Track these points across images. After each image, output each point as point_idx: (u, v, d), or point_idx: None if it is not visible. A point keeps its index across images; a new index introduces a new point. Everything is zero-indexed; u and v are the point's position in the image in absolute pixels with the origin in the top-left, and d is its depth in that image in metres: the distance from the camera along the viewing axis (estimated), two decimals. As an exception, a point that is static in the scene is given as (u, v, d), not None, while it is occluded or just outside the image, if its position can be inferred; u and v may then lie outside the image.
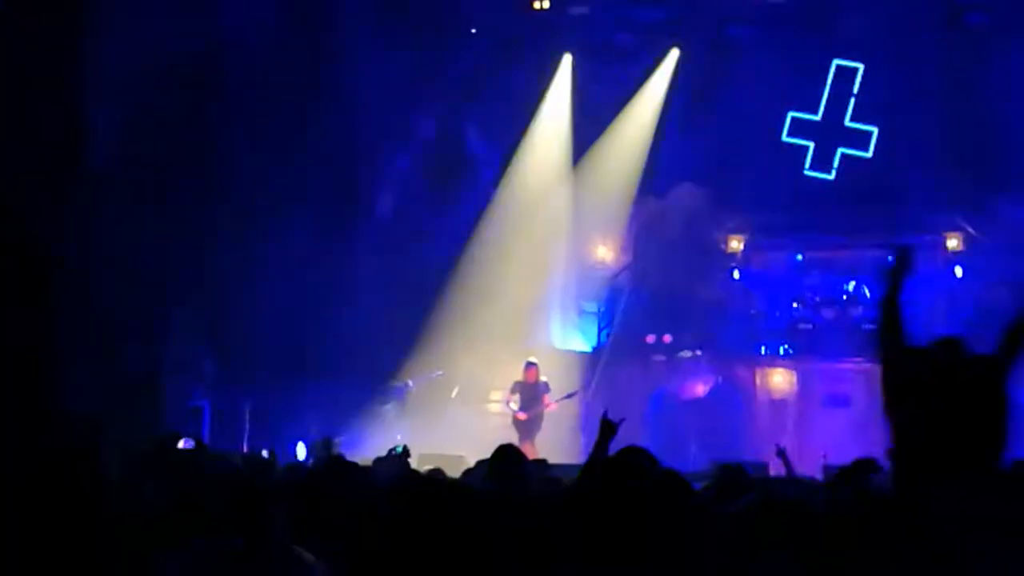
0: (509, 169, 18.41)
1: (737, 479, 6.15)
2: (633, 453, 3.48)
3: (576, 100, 18.66)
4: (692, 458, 14.30)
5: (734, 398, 16.68)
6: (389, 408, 15.68)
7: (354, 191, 17.55)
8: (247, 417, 15.31)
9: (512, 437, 13.53)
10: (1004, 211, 16.33)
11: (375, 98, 16.76)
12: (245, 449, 13.89)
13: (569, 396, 15.55)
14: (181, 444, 6.95)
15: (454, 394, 16.73)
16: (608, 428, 6.00)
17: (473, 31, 18.02)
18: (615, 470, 3.16)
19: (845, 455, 13.53)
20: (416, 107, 17.93)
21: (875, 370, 14.86)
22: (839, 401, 15.67)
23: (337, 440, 13.12)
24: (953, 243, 16.93)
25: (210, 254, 15.30)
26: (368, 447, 12.57)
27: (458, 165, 17.91)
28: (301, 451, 13.20)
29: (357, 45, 16.40)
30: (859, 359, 16.07)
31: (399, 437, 13.04)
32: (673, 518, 2.91)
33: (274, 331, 15.55)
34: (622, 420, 6.19)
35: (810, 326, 16.80)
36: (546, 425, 15.34)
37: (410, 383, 16.04)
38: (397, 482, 2.52)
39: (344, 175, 17.32)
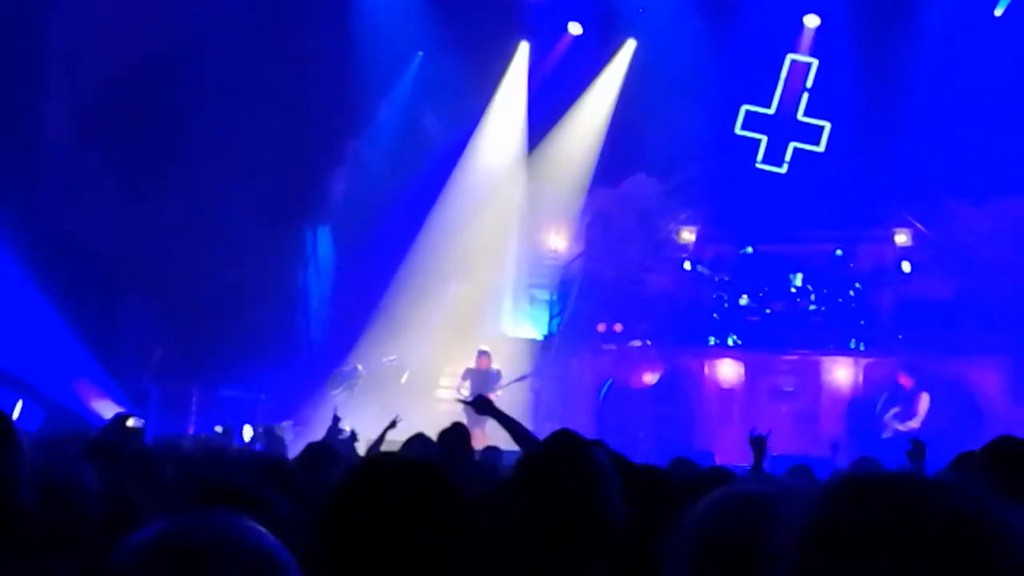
0: (464, 156, 18.39)
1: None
2: (566, 435, 3.49)
3: (532, 88, 18.67)
4: (640, 446, 14.38)
5: (682, 388, 16.81)
6: (339, 393, 15.62)
7: (308, 175, 17.46)
8: (194, 402, 15.21)
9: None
10: (952, 208, 16.56)
11: (331, 81, 16.68)
12: (191, 433, 13.79)
13: (521, 379, 15.58)
14: (132, 423, 6.89)
15: (404, 379, 16.72)
16: (486, 406, 6.03)
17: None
18: (549, 459, 3.17)
19: (791, 446, 13.78)
20: (372, 91, 17.87)
21: (820, 362, 15.07)
22: (785, 392, 15.83)
23: (283, 425, 13.10)
24: (902, 239, 17.12)
25: (162, 239, 15.19)
26: (317, 432, 12.51)
27: (413, 151, 17.86)
28: (247, 433, 13.12)
29: (312, 27, 16.32)
30: (806, 351, 16.25)
31: (348, 421, 12.96)
32: (610, 498, 2.93)
33: (223, 316, 15.46)
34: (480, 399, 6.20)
35: (758, 318, 16.95)
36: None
37: (360, 368, 16.00)
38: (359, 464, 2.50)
39: (298, 159, 17.22)
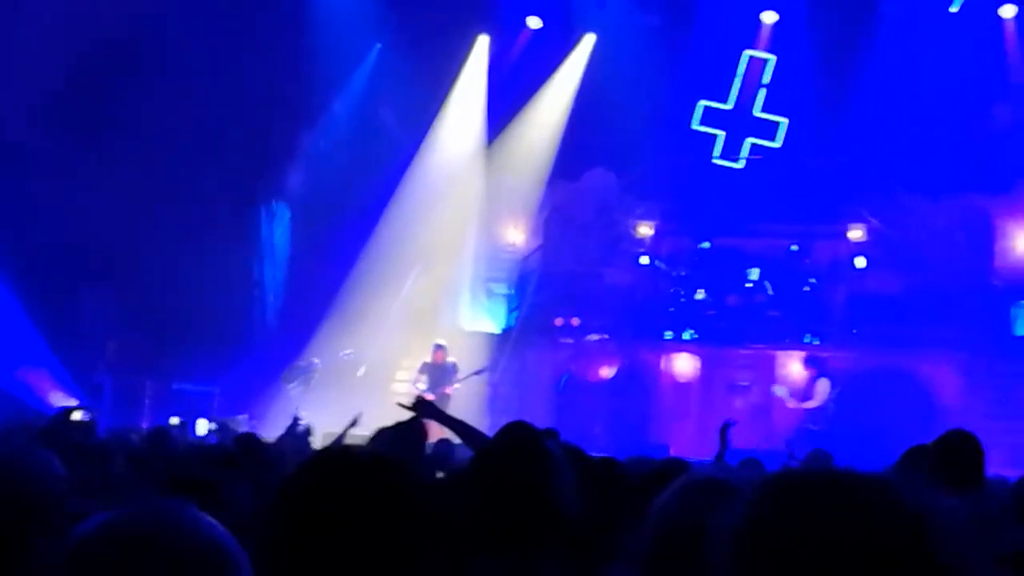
0: (422, 149, 18.34)
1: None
2: (519, 427, 3.49)
3: (491, 82, 18.65)
4: (597, 439, 14.44)
5: (639, 381, 16.88)
6: (295, 387, 15.55)
7: (264, 167, 17.35)
8: (148, 395, 15.09)
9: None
10: (907, 203, 16.74)
11: (288, 72, 16.58)
12: (145, 426, 13.67)
13: (478, 373, 15.59)
14: (79, 416, 6.82)
15: (360, 373, 16.67)
16: (428, 409, 5.98)
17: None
18: (503, 450, 3.17)
19: (746, 439, 13.89)
20: (329, 82, 17.79)
21: (775, 356, 15.15)
22: (740, 386, 15.94)
23: (239, 419, 13.03)
24: (856, 234, 17.28)
25: (117, 230, 15.05)
26: (272, 425, 12.46)
27: (371, 143, 17.79)
28: (202, 427, 13.04)
29: (268, 17, 16.21)
30: (761, 346, 16.37)
31: (304, 415, 12.92)
32: (563, 489, 2.94)
33: (178, 308, 15.33)
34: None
35: (714, 312, 17.05)
36: (453, 406, 15.34)
37: (316, 362, 15.94)
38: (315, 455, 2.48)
39: (254, 151, 17.12)
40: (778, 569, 1.21)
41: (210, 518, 1.44)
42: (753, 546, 1.24)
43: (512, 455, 3.05)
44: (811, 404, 14.83)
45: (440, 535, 2.76)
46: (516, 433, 3.75)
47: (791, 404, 14.93)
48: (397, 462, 2.22)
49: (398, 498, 2.12)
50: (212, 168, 15.74)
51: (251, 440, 5.89)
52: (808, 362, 15.22)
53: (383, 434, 6.74)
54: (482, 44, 18.72)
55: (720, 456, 6.68)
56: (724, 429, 6.86)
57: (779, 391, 15.17)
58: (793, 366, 16.43)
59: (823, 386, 14.92)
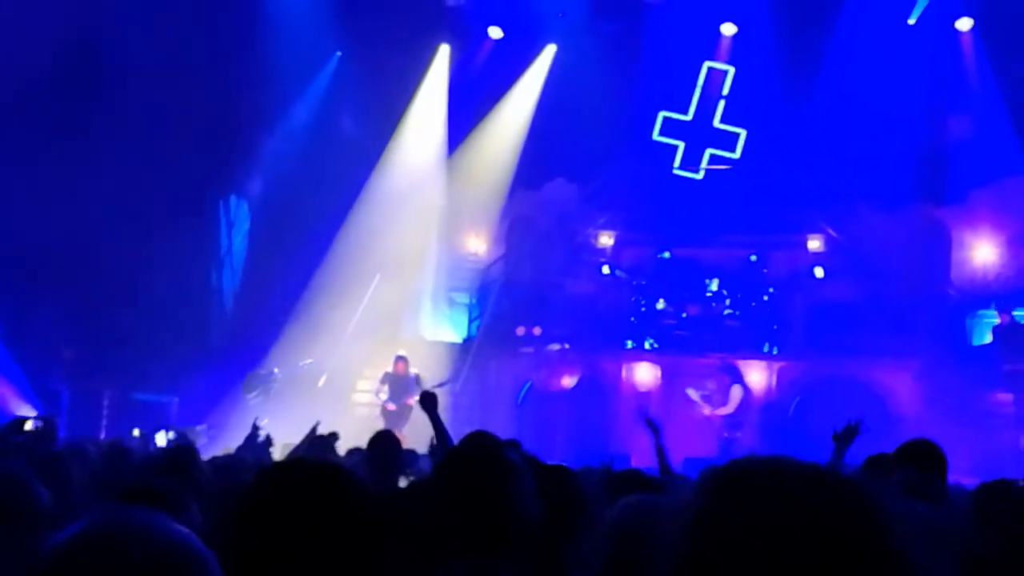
0: (383, 158, 18.32)
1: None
2: (480, 436, 3.50)
3: (452, 92, 18.68)
4: (557, 449, 14.46)
5: (600, 391, 16.91)
6: (254, 396, 15.46)
7: (222, 174, 17.27)
8: (106, 404, 14.96)
9: (379, 428, 13.45)
10: (864, 214, 16.90)
11: (245, 80, 16.51)
12: (103, 436, 13.54)
13: (439, 386, 15.53)
14: (29, 426, 6.75)
15: (321, 383, 16.60)
16: (428, 401, 6.08)
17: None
18: (464, 458, 3.18)
19: (705, 449, 13.95)
20: (287, 90, 17.74)
21: (735, 366, 15.14)
22: (701, 395, 15.99)
23: (197, 429, 12.95)
24: (815, 244, 17.43)
25: (74, 237, 14.91)
26: (232, 435, 12.37)
27: (331, 151, 17.74)
28: (161, 439, 12.92)
29: (227, 22, 16.15)
30: (721, 355, 16.45)
31: (264, 424, 12.84)
32: (523, 497, 2.94)
33: (136, 317, 15.21)
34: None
35: (674, 322, 17.13)
36: (415, 416, 15.31)
37: (276, 371, 15.85)
38: (270, 466, 2.48)
39: (213, 158, 17.02)
40: (728, 556, 1.22)
41: (179, 525, 1.44)
42: (703, 535, 1.25)
43: (473, 464, 3.05)
44: (725, 411, 15.01)
45: (395, 543, 2.77)
46: (477, 442, 3.76)
47: (706, 411, 15.13)
48: (349, 472, 2.23)
49: (351, 507, 2.13)
50: (170, 175, 15.64)
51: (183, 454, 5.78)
52: (722, 370, 15.42)
53: (356, 454, 6.75)
54: (443, 54, 18.75)
55: (664, 470, 6.67)
56: (651, 424, 6.87)
57: (692, 394, 15.34)
58: (753, 375, 16.53)
59: (737, 393, 15.15)
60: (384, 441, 6.37)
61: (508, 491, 2.86)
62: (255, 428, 9.02)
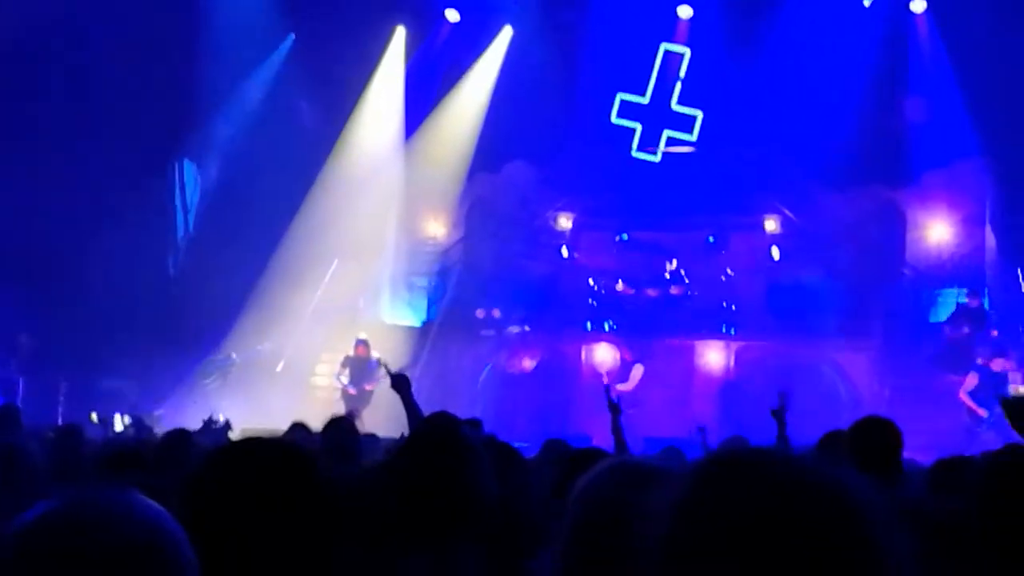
0: (340, 141, 18.21)
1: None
2: (441, 417, 3.50)
3: (409, 74, 18.59)
4: (519, 430, 14.49)
5: (560, 373, 16.95)
6: (212, 382, 15.36)
7: (174, 159, 17.12)
8: (63, 391, 14.82)
9: (339, 413, 13.42)
10: (819, 195, 17.02)
11: (203, 65, 16.38)
12: (60, 423, 13.41)
13: (399, 372, 15.48)
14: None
15: (279, 368, 16.53)
16: (401, 383, 5.96)
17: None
18: (426, 437, 3.19)
19: (665, 428, 14.03)
20: (242, 75, 17.61)
21: (693, 347, 15.26)
22: (659, 376, 16.08)
23: (155, 415, 12.86)
24: (771, 225, 17.54)
25: (28, 225, 14.75)
26: (190, 421, 12.30)
27: (287, 136, 17.63)
28: (118, 423, 12.82)
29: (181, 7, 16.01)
30: (679, 336, 16.54)
31: (221, 412, 12.79)
32: (480, 477, 2.95)
33: (92, 304, 15.07)
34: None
35: (633, 304, 17.19)
36: (376, 402, 15.30)
37: (234, 356, 15.76)
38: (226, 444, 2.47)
39: (167, 145, 16.90)
40: (711, 549, 1.23)
41: (149, 500, 1.43)
42: (686, 527, 1.25)
43: (431, 445, 3.05)
44: (624, 387, 15.15)
45: (352, 525, 2.77)
46: (436, 423, 3.76)
47: (619, 387, 15.29)
48: (303, 452, 2.21)
49: (303, 488, 2.12)
50: (122, 161, 15.50)
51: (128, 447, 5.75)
52: (621, 347, 15.57)
53: (296, 430, 6.71)
54: (399, 37, 18.65)
55: (620, 448, 6.63)
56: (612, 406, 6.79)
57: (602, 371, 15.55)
58: (711, 356, 16.65)
59: (637, 372, 15.40)
60: (339, 426, 6.33)
61: (466, 472, 2.86)
62: (209, 419, 8.98)
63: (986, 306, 15.72)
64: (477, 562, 2.74)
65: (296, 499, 2.11)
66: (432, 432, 3.24)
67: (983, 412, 13.62)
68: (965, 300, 15.64)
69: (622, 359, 15.60)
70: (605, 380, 15.79)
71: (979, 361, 14.26)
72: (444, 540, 2.79)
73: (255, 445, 2.30)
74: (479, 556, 2.78)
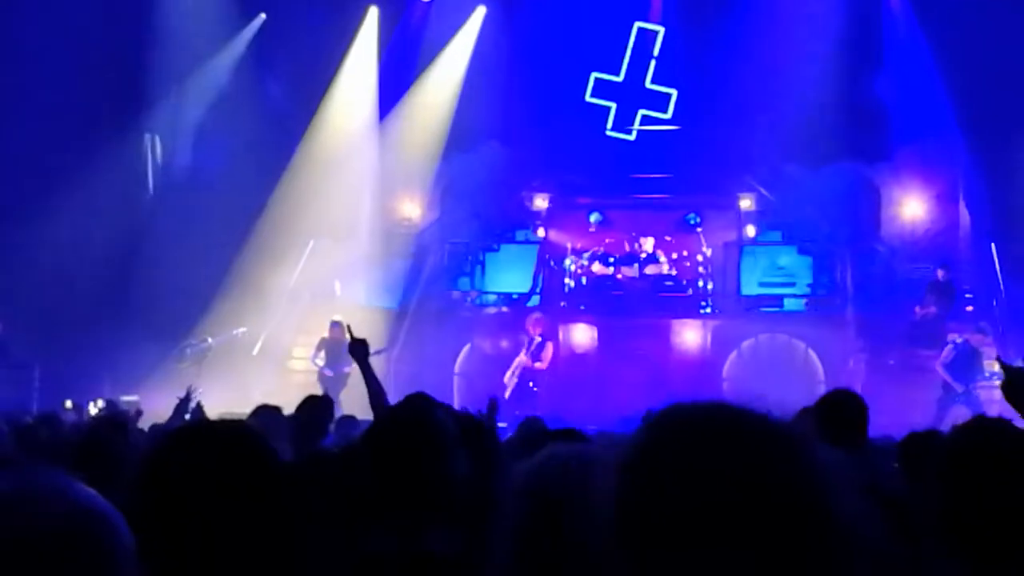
0: (313, 123, 18.12)
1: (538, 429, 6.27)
2: (416, 399, 3.50)
3: (383, 54, 18.50)
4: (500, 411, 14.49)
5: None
6: (187, 366, 15.29)
7: (149, 142, 17.02)
8: (36, 377, 14.73)
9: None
10: (793, 173, 17.06)
11: (169, 47, 16.27)
12: (35, 410, 13.33)
13: (377, 353, 15.42)
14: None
15: (256, 351, 16.47)
16: (358, 349, 5.88)
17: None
18: (399, 416, 3.18)
19: (643, 406, 14.05)
20: (214, 57, 17.49)
21: (670, 325, 15.24)
22: (637, 355, 16.11)
23: (131, 399, 12.80)
24: (746, 203, 17.57)
25: (1, 214, 14.66)
26: (164, 406, 12.23)
27: (259, 117, 17.52)
28: (92, 409, 12.76)
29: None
30: (656, 315, 16.56)
31: (198, 394, 12.71)
32: (451, 459, 2.94)
33: (66, 288, 14.97)
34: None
35: (610, 283, 17.20)
36: (352, 382, 15.26)
37: (210, 340, 15.68)
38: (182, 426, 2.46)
39: (138, 126, 16.78)
40: (660, 501, 1.23)
41: (83, 485, 1.41)
42: (638, 478, 1.26)
43: (399, 429, 3.05)
44: (540, 365, 15.31)
45: (319, 508, 2.76)
46: (406, 406, 3.75)
47: (526, 361, 15.35)
48: (258, 434, 2.21)
49: (258, 469, 2.12)
50: (94, 143, 15.41)
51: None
52: (535, 325, 15.57)
53: (261, 412, 6.68)
54: (372, 17, 18.54)
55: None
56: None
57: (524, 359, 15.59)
58: (688, 334, 16.68)
59: (549, 351, 15.45)
60: (314, 404, 6.32)
61: (434, 456, 2.86)
62: (187, 396, 8.92)
63: (953, 282, 15.79)
64: (446, 544, 2.74)
65: (247, 481, 2.10)
66: (399, 416, 3.24)
67: (959, 387, 13.73)
68: (935, 277, 15.72)
69: (536, 336, 15.56)
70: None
71: (955, 337, 14.37)
72: (411, 523, 2.78)
73: (206, 428, 2.31)
74: (449, 538, 2.77)
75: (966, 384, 13.71)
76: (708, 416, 1.29)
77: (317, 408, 6.32)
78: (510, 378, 15.42)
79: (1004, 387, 3.49)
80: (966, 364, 13.90)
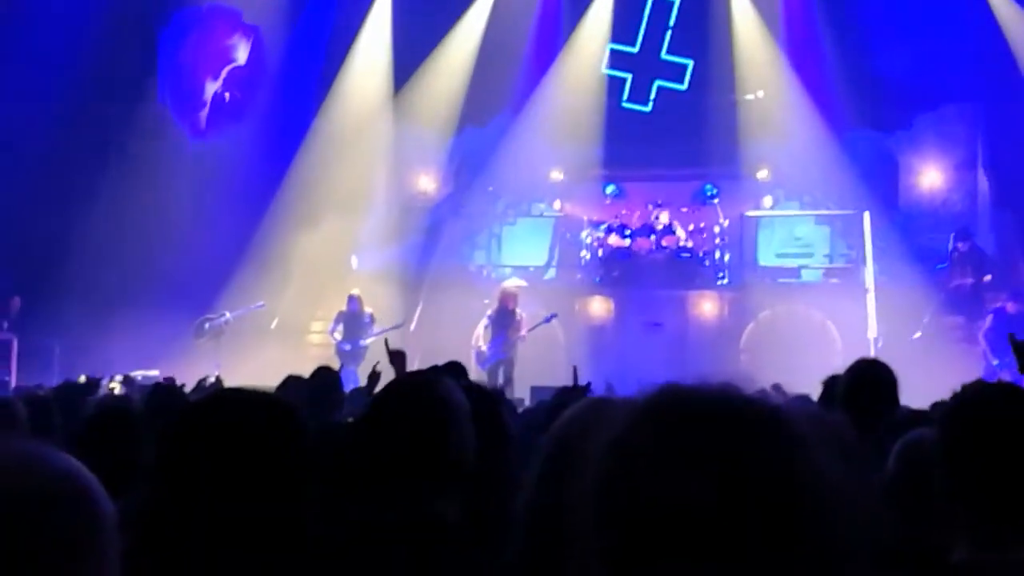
0: (329, 98, 18.10)
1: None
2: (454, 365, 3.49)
3: (396, 28, 18.43)
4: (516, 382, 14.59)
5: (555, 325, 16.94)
6: (205, 341, 15.35)
7: (165, 117, 17.03)
8: (56, 352, 14.82)
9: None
10: (810, 143, 16.94)
11: (182, 21, 16.27)
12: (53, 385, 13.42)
13: (395, 327, 15.48)
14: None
15: (273, 326, 16.52)
16: (399, 360, 5.95)
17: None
18: (411, 386, 3.18)
19: (663, 374, 14.04)
20: (229, 31, 17.47)
21: (687, 296, 15.20)
22: (654, 327, 16.09)
23: (152, 373, 12.87)
24: (763, 174, 17.47)
25: (13, 185, 14.68)
26: (185, 381, 12.29)
27: (274, 92, 17.51)
28: (112, 384, 12.82)
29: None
30: (673, 287, 16.54)
31: (216, 371, 12.80)
32: (457, 428, 2.94)
33: (84, 264, 15.05)
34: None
35: (626, 255, 17.18)
36: (370, 356, 15.29)
37: (228, 315, 15.73)
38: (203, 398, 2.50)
39: (152, 102, 16.79)
40: (639, 483, 1.21)
41: (61, 453, 1.41)
42: (619, 459, 1.24)
43: (405, 398, 3.03)
44: (523, 334, 15.35)
45: (332, 477, 2.76)
46: (413, 378, 3.75)
47: (516, 336, 15.33)
48: (287, 403, 2.25)
49: (283, 436, 2.15)
50: (108, 117, 15.46)
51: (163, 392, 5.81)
52: (511, 299, 15.53)
53: (289, 382, 6.71)
54: (387, -11, 18.47)
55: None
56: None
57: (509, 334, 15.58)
58: (705, 305, 16.67)
59: (524, 321, 15.48)
60: (322, 376, 6.36)
61: (438, 425, 2.84)
62: (203, 380, 9.01)
63: (976, 248, 15.68)
64: (446, 513, 2.74)
65: (275, 448, 2.14)
66: (406, 386, 3.23)
67: (994, 359, 13.60)
68: (955, 246, 15.60)
69: (510, 307, 15.54)
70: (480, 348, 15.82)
71: (994, 305, 14.34)
72: (412, 491, 2.77)
73: (235, 395, 2.34)
74: (449, 507, 2.77)
75: (1002, 358, 13.49)
76: (700, 404, 1.26)
77: (327, 379, 6.36)
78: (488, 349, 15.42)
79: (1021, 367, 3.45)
80: (1004, 333, 13.81)
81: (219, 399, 2.31)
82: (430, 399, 2.90)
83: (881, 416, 4.40)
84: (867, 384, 4.72)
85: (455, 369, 6.39)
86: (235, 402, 2.26)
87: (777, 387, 7.56)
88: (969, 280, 15.20)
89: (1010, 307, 14.01)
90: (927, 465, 2.51)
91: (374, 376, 6.33)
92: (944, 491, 2.32)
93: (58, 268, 14.98)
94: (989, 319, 14.10)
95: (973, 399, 2.43)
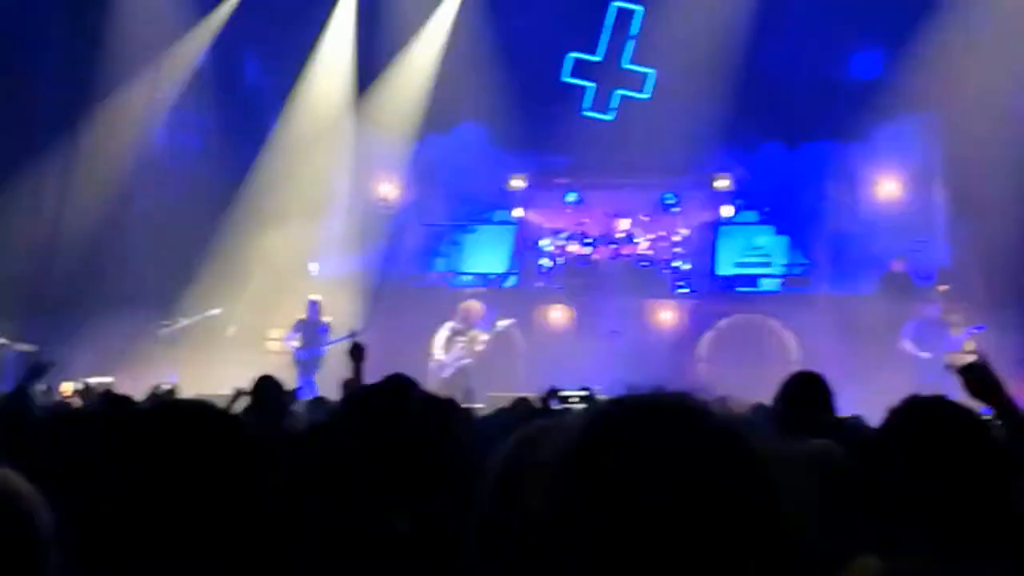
0: (290, 101, 18.00)
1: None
2: (396, 378, 3.49)
3: (360, 32, 18.36)
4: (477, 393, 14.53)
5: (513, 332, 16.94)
6: (160, 348, 15.21)
7: (123, 120, 16.87)
8: (8, 358, 14.63)
9: (291, 376, 13.37)
10: (770, 152, 17.07)
11: (145, 25, 16.13)
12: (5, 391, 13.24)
13: (350, 337, 15.37)
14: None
15: (230, 333, 16.39)
16: (357, 352, 6.08)
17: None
18: (376, 395, 3.16)
19: (616, 387, 14.06)
20: (189, 34, 17.34)
21: (647, 305, 15.22)
22: (613, 335, 16.11)
23: (107, 380, 12.74)
24: (723, 184, 17.56)
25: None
26: (137, 390, 12.17)
27: (235, 96, 17.39)
28: (65, 389, 12.69)
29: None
30: (633, 295, 16.59)
31: (173, 378, 12.68)
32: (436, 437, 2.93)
33: (38, 268, 14.87)
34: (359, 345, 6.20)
35: (586, 264, 17.23)
36: (327, 365, 15.23)
37: (183, 321, 15.60)
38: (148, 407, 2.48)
39: (111, 104, 16.64)
40: (596, 496, 1.20)
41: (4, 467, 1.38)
42: (574, 473, 1.23)
43: (378, 405, 3.03)
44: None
45: (285, 485, 2.74)
46: (385, 385, 3.73)
47: (486, 334, 15.69)
48: (228, 415, 2.23)
49: (226, 448, 2.12)
50: (70, 119, 15.31)
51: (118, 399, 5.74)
52: (482, 303, 15.88)
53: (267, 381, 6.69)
54: (349, -7, 18.42)
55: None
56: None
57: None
58: (665, 314, 16.72)
59: (503, 323, 15.78)
60: (268, 386, 6.33)
61: (401, 438, 2.84)
62: (158, 386, 8.92)
63: (909, 274, 15.86)
64: (410, 523, 2.72)
65: (218, 459, 2.10)
66: (378, 393, 3.23)
67: (925, 353, 13.99)
68: (893, 266, 15.82)
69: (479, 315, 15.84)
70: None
71: (925, 307, 14.63)
72: (377, 501, 2.76)
73: (178, 406, 2.31)
74: (414, 517, 2.75)
75: (932, 353, 13.88)
76: (650, 414, 1.26)
77: (269, 388, 6.33)
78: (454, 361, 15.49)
79: (967, 386, 3.47)
80: (932, 334, 14.20)
81: (157, 411, 2.30)
82: (402, 405, 2.90)
83: (815, 429, 4.47)
84: (797, 397, 4.78)
85: (401, 383, 6.34)
86: (176, 413, 2.23)
87: (723, 399, 7.60)
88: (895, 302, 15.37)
89: (895, 265, 14.46)
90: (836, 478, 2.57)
91: (356, 350, 6.26)
92: (871, 504, 2.33)
93: (10, 273, 14.79)
94: (910, 324, 14.49)
95: (907, 420, 2.44)
